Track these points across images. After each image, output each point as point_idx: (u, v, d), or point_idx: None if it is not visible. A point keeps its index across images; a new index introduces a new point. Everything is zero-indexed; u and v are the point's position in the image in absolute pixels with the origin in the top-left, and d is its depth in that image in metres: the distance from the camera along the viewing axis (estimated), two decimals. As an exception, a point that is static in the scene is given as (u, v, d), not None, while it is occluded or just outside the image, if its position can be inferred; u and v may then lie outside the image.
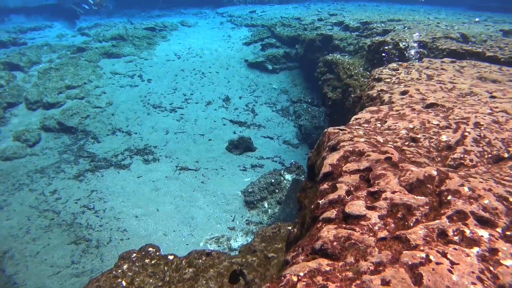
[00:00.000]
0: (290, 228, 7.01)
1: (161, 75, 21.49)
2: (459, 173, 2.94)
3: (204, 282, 5.39)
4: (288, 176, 12.85)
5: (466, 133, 3.88)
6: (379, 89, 6.35)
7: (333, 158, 3.25)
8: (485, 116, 4.33)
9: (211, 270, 5.62)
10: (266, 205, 12.07)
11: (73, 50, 23.36)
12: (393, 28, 16.14)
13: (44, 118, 16.88)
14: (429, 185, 2.69)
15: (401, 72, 7.30)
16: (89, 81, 19.82)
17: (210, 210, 12.04)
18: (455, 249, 2.05)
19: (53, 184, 13.28)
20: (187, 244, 10.82)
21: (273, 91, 20.37)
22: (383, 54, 11.87)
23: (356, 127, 4.34)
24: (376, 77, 7.38)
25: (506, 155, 3.58)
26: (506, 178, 3.02)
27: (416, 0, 35.19)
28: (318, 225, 2.49)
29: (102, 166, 14.23)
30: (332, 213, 2.52)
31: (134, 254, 6.26)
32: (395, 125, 4.27)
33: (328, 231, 2.30)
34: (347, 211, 2.45)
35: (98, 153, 15.04)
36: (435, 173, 2.80)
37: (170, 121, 17.49)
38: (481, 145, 3.73)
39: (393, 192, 2.56)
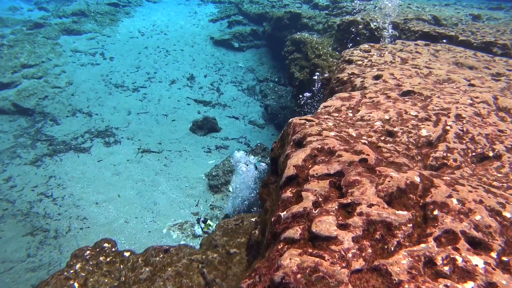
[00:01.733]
0: (253, 219, 6.67)
1: (124, 53, 20.70)
2: (445, 177, 2.56)
3: (162, 283, 4.97)
4: (254, 159, 12.48)
5: (448, 127, 3.52)
6: (350, 72, 5.93)
7: (298, 157, 2.82)
8: (466, 108, 3.98)
9: (169, 269, 5.20)
10: (230, 188, 11.68)
11: (30, 25, 22.11)
12: (364, 7, 15.75)
13: (-3, 100, 16.01)
14: (411, 195, 2.30)
15: (374, 54, 6.88)
16: (47, 60, 18.88)
17: (173, 194, 11.60)
18: (446, 286, 1.67)
19: (8, 171, 12.57)
20: (149, 232, 10.36)
21: (239, 70, 19.85)
22: (353, 35, 11.48)
23: (325, 116, 3.93)
24: (347, 58, 6.94)
25: (491, 153, 3.24)
26: (495, 183, 2.68)
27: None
28: (279, 247, 2.08)
29: (61, 150, 13.56)
30: (296, 232, 2.11)
31: (88, 252, 5.76)
32: (369, 115, 3.88)
33: (290, 258, 1.89)
34: (314, 230, 2.04)
35: (57, 136, 14.33)
36: (418, 179, 2.40)
37: (132, 101, 16.84)
38: (464, 141, 3.37)
39: (370, 206, 2.15)
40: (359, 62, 6.50)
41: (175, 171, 12.54)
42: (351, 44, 11.34)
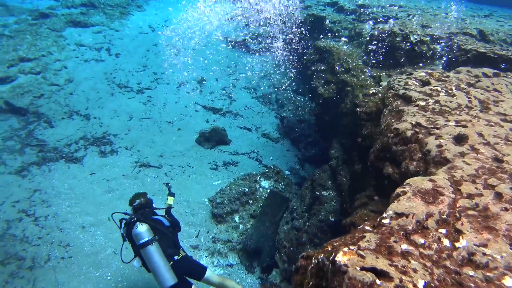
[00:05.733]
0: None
1: (131, 50, 19.26)
2: None
3: None
4: (265, 183, 10.95)
5: None
6: (413, 123, 4.31)
7: None
8: None
9: None
10: (237, 219, 10.18)
11: (35, 15, 20.54)
12: (395, 14, 14.02)
13: (-12, 96, 14.61)
14: None
15: (439, 90, 5.17)
16: (48, 53, 17.46)
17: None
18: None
19: (-10, 180, 11.24)
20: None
21: (255, 75, 18.27)
22: (388, 48, 9.87)
23: (404, 247, 2.30)
24: (401, 92, 5.29)
25: None
26: None
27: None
28: None
29: (51, 158, 12.17)
30: None
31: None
32: (485, 256, 2.23)
33: None
34: None
35: (49, 141, 12.94)
36: None
37: (135, 104, 15.41)
38: None
39: None
40: (422, 103, 4.83)
41: (175, 192, 11.04)
42: (391, 61, 9.74)
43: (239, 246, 9.59)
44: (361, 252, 2.09)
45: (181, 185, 11.40)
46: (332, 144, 10.25)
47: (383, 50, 9.89)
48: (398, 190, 3.07)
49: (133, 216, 6.58)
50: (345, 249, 2.11)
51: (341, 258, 2.05)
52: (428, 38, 9.50)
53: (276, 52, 18.12)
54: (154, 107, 15.31)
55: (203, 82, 17.29)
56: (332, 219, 8.34)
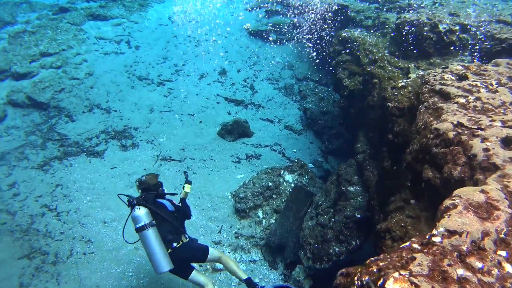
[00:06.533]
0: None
1: (151, 42, 19.06)
2: None
3: None
4: (289, 177, 10.72)
5: None
6: (455, 122, 4.02)
7: None
8: None
9: None
10: (260, 214, 10.00)
11: (55, 10, 20.47)
12: (421, 3, 13.49)
13: (11, 91, 14.59)
14: None
15: (479, 85, 4.85)
16: (68, 47, 17.41)
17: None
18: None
19: (13, 175, 11.28)
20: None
21: (276, 65, 17.94)
22: (415, 38, 9.45)
23: (460, 273, 2.01)
24: (437, 88, 4.97)
25: None
26: None
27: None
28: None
29: (72, 152, 12.14)
30: None
31: None
32: None
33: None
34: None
35: (70, 136, 12.91)
36: None
37: (156, 96, 15.26)
38: None
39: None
40: (461, 100, 4.50)
41: (197, 186, 10.87)
42: (419, 52, 9.35)
43: (263, 241, 9.43)
44: (414, 280, 1.85)
45: (204, 179, 11.25)
46: (358, 137, 9.96)
47: (410, 40, 9.52)
48: (447, 202, 2.79)
49: (133, 199, 6.51)
50: (396, 274, 1.87)
51: (392, 286, 1.81)
52: (457, 27, 9.10)
53: (298, 42, 17.82)
54: (175, 100, 15.15)
55: (225, 74, 17.06)
56: (359, 216, 8.12)
